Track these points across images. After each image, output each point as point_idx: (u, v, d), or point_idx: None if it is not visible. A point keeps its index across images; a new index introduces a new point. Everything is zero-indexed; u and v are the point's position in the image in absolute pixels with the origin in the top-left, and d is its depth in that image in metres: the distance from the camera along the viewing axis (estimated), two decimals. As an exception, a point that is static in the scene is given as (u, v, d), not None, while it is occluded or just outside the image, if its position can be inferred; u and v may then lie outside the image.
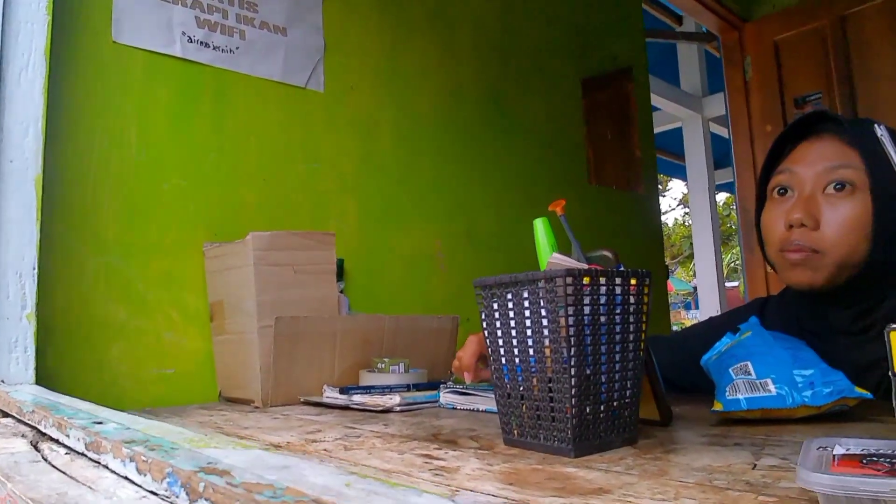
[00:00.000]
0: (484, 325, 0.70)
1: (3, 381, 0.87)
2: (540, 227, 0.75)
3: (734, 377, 0.76)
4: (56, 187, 1.07)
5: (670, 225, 14.84)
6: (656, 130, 2.76)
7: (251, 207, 1.34)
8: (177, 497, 0.30)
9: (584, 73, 2.27)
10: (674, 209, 15.25)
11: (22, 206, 0.94)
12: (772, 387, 0.73)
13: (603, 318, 0.64)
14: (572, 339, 0.61)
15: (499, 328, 0.68)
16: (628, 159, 2.50)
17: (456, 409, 1.00)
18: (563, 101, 2.19)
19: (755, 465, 0.54)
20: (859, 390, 0.71)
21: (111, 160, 1.17)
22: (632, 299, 0.67)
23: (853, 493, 0.36)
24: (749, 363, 0.77)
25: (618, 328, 0.65)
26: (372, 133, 1.59)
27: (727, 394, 0.75)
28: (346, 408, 1.04)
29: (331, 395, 1.09)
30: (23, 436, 0.47)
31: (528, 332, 0.65)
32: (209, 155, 1.29)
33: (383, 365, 1.15)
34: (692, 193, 4.79)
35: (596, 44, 2.37)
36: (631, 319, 0.66)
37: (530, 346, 0.65)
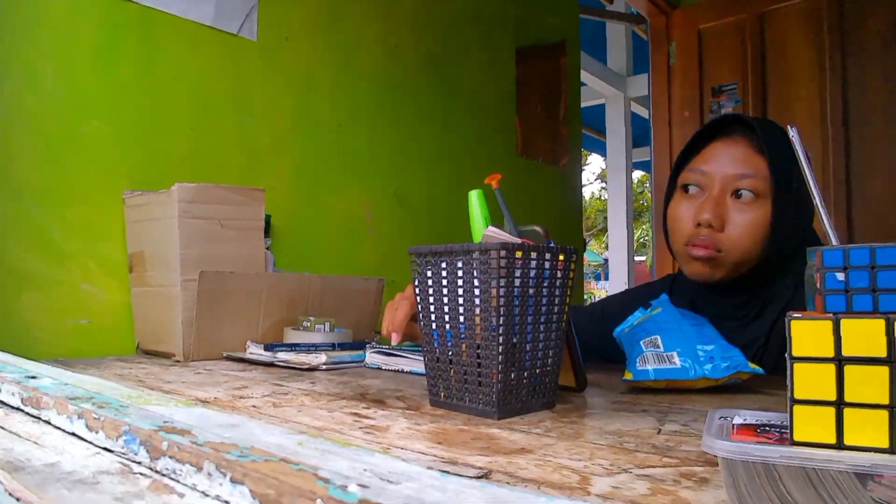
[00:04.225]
0: (416, 291, 0.72)
1: None
2: (475, 198, 0.77)
3: (644, 349, 0.82)
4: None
5: (587, 198, 15.28)
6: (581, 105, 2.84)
7: (178, 158, 1.29)
8: (135, 454, 0.31)
9: (519, 42, 2.29)
10: (591, 183, 15.71)
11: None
12: (677, 360, 0.79)
13: (531, 291, 0.67)
14: (502, 308, 0.64)
15: (431, 295, 0.71)
16: (555, 133, 2.56)
17: (381, 369, 1.03)
18: (499, 71, 2.21)
19: (660, 430, 0.60)
20: (752, 366, 0.79)
21: (24, 97, 1.09)
22: (559, 274, 0.70)
23: (749, 458, 0.41)
24: (658, 337, 0.83)
25: (544, 300, 0.69)
26: (307, 88, 1.55)
27: (637, 364, 0.81)
28: (270, 365, 1.04)
29: (255, 351, 1.09)
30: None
31: (460, 301, 0.68)
32: (134, 99, 1.23)
33: (309, 323, 1.16)
34: (610, 170, 4.94)
35: (532, 15, 2.39)
36: (557, 293, 0.70)
37: (461, 314, 0.68)
